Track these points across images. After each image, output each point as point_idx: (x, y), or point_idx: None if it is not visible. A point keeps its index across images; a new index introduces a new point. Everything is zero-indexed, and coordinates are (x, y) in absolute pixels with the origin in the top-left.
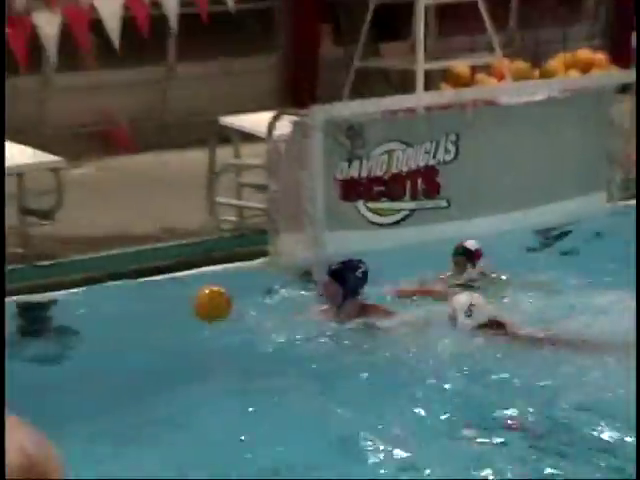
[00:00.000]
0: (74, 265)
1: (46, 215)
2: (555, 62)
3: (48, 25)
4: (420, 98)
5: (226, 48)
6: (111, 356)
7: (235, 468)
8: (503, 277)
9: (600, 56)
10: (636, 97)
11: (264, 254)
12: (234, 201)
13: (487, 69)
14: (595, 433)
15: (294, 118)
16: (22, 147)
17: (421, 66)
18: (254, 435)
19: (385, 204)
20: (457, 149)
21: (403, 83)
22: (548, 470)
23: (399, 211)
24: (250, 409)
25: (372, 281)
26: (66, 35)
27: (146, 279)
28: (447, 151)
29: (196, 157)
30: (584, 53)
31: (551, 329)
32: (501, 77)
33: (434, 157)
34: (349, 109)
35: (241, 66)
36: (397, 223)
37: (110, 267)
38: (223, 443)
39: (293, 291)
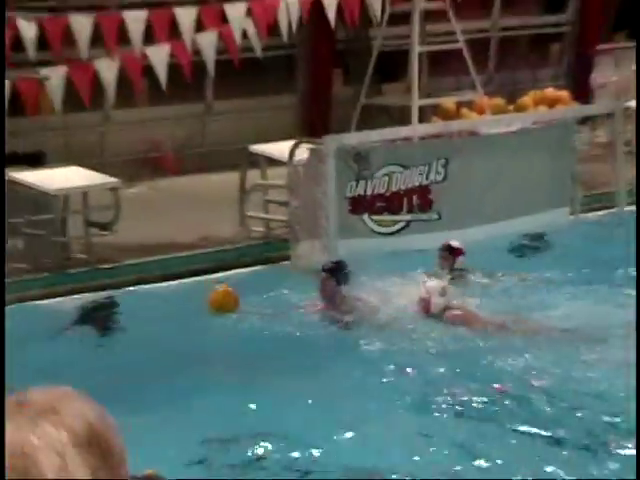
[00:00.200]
0: (129, 268)
1: (105, 227)
2: (527, 99)
3: (108, 70)
4: (415, 129)
5: (254, 88)
6: (159, 344)
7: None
8: (480, 272)
9: (564, 94)
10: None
11: (287, 258)
12: (261, 215)
13: (470, 105)
14: (541, 406)
15: (311, 146)
16: (86, 171)
17: (415, 102)
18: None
19: (386, 217)
20: (446, 171)
21: (401, 117)
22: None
23: (398, 222)
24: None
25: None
26: (123, 78)
27: (188, 280)
28: (438, 173)
29: (229, 179)
30: (551, 91)
31: (516, 317)
32: (482, 111)
33: (427, 178)
34: (356, 138)
35: (267, 103)
36: (396, 232)
37: (159, 270)
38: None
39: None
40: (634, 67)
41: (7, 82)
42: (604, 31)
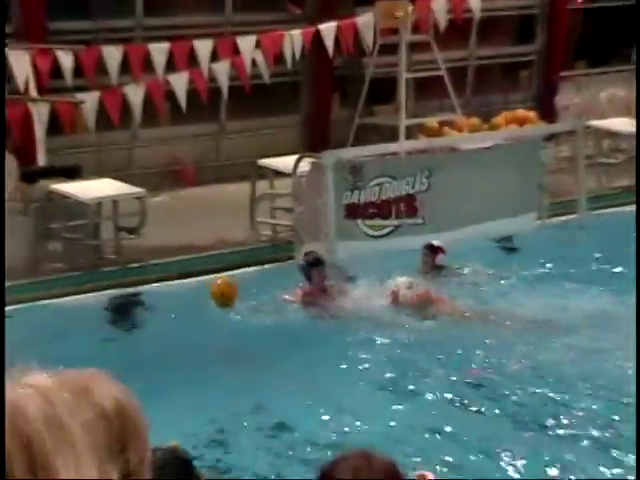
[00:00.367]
0: (154, 268)
1: (133, 231)
2: (499, 119)
3: (135, 95)
4: (402, 145)
5: (263, 110)
6: (179, 335)
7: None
8: (458, 269)
9: (532, 114)
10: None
11: (292, 258)
12: (269, 220)
13: (451, 124)
14: (507, 389)
15: (312, 160)
16: (117, 182)
17: (403, 122)
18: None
19: (377, 222)
20: (429, 182)
21: (390, 134)
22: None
23: (387, 227)
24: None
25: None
26: (148, 102)
27: (206, 277)
28: (422, 183)
29: (241, 189)
30: (520, 112)
31: (483, 309)
32: (461, 130)
33: (413, 188)
34: (351, 153)
35: (274, 123)
36: (386, 235)
37: (180, 269)
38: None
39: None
40: (593, 91)
41: (47, 105)
42: (567, 60)
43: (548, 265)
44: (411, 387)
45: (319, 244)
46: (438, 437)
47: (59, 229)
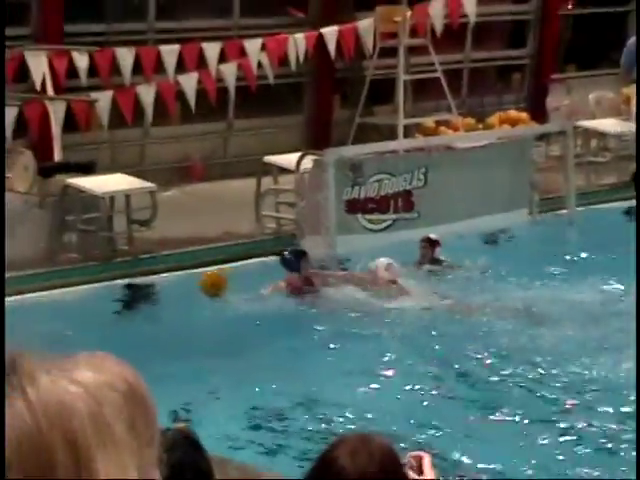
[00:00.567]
0: (164, 258)
1: (145, 223)
2: (493, 119)
3: (146, 94)
4: (400, 144)
5: (268, 110)
6: (191, 320)
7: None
8: (453, 262)
9: (524, 115)
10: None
11: None
12: (274, 214)
13: (447, 124)
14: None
15: (314, 157)
16: (129, 177)
17: (401, 122)
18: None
19: (376, 216)
20: (426, 178)
21: (389, 133)
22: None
23: (385, 221)
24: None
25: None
26: (159, 101)
27: (214, 267)
28: (419, 180)
29: (247, 184)
30: (513, 113)
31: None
32: (456, 129)
33: (410, 184)
34: (352, 151)
35: (278, 122)
36: (384, 229)
37: (189, 259)
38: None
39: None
40: (582, 93)
41: (63, 103)
42: (557, 63)
43: (538, 258)
44: (390, 373)
45: (320, 237)
46: (421, 422)
47: (74, 221)
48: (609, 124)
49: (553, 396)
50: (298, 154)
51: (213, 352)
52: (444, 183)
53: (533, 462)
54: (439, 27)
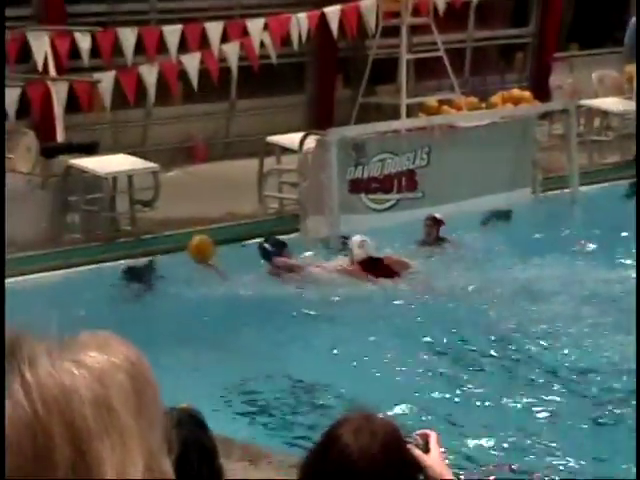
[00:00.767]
0: (167, 239)
1: (147, 204)
2: (496, 98)
3: (149, 75)
4: (403, 123)
5: (271, 90)
6: (193, 300)
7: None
8: (456, 241)
9: (527, 94)
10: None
11: (297, 231)
12: (277, 194)
13: (449, 103)
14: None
15: (317, 137)
16: (132, 157)
17: (404, 101)
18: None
19: (379, 196)
20: (429, 158)
21: (392, 113)
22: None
23: (389, 200)
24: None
25: None
26: (161, 81)
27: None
28: (422, 159)
29: (250, 164)
30: (516, 92)
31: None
32: (459, 108)
33: (413, 163)
34: (355, 131)
35: (281, 102)
36: (388, 209)
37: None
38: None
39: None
40: (585, 72)
41: (66, 84)
42: (560, 42)
43: (541, 236)
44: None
45: (323, 217)
46: (413, 404)
47: (77, 202)
48: (612, 103)
49: (551, 376)
50: (301, 134)
51: (214, 332)
52: (447, 162)
53: (527, 443)
54: (442, 6)
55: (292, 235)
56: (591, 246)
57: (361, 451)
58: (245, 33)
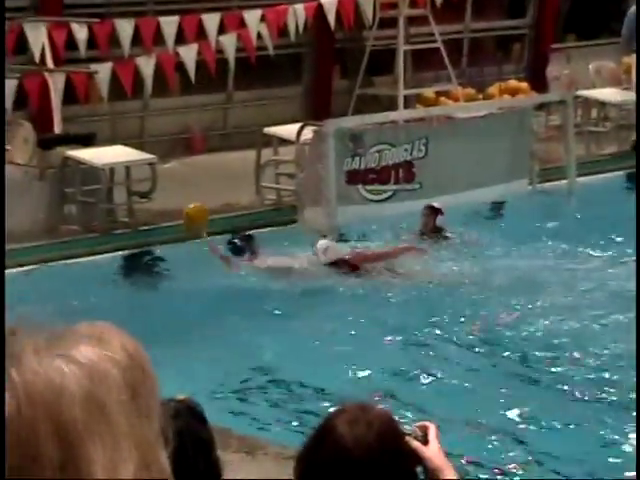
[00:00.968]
0: (164, 230)
1: (144, 195)
2: (493, 89)
3: (146, 66)
4: (401, 114)
5: (268, 81)
6: (191, 291)
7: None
8: (453, 232)
9: (524, 85)
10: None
11: (295, 221)
12: (274, 185)
13: (447, 94)
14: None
15: (314, 128)
16: (129, 149)
17: (401, 92)
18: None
19: (377, 187)
20: (426, 149)
21: (389, 104)
22: None
23: (386, 192)
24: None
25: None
26: (158, 73)
27: (214, 237)
28: (419, 150)
29: (247, 156)
30: (513, 83)
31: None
32: (456, 99)
33: (410, 154)
34: (352, 122)
35: (278, 93)
36: (385, 200)
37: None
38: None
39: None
40: (582, 63)
41: (63, 75)
42: (557, 33)
43: (538, 226)
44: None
45: (320, 208)
46: (405, 393)
47: (74, 193)
48: (609, 93)
49: (545, 365)
50: (298, 125)
51: (212, 322)
52: (444, 154)
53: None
54: None
55: (289, 226)
56: (588, 237)
57: (356, 441)
58: (242, 24)
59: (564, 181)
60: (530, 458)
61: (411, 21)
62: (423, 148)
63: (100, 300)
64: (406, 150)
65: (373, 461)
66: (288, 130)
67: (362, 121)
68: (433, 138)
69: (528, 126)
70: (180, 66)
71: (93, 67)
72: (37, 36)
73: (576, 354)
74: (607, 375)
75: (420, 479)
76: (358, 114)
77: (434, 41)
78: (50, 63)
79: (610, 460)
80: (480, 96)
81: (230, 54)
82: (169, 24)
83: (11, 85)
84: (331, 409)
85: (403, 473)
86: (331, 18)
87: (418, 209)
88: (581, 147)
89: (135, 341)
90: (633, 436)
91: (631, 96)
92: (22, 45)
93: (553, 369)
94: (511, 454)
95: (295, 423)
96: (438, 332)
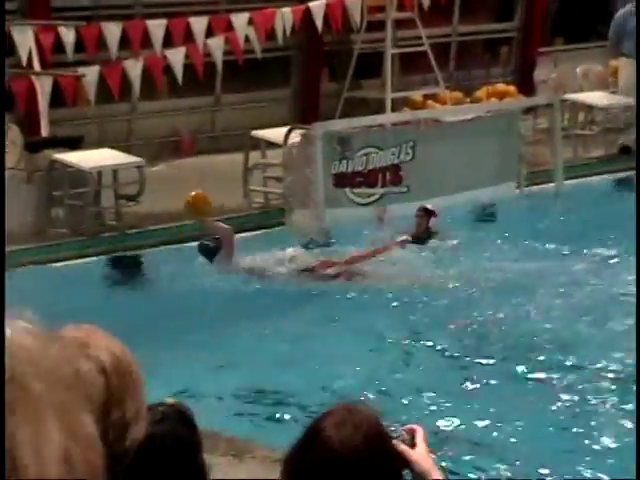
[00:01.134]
0: (152, 233)
1: (132, 198)
2: (481, 92)
3: (134, 69)
4: (388, 117)
5: (255, 84)
6: (179, 295)
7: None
8: (443, 234)
9: (511, 88)
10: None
11: (282, 225)
12: (262, 188)
13: (434, 97)
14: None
15: (302, 131)
16: (116, 152)
17: (389, 95)
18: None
19: (364, 190)
20: (414, 152)
21: (377, 107)
22: None
23: (373, 195)
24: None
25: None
26: (146, 75)
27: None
28: (407, 154)
29: (235, 159)
30: (500, 86)
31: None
32: (444, 103)
33: (398, 157)
34: (340, 125)
35: (266, 96)
36: (372, 203)
37: (177, 234)
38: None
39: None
40: (570, 66)
41: (50, 78)
42: (545, 36)
43: (525, 230)
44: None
45: (308, 211)
46: (394, 395)
47: (62, 196)
48: (596, 97)
49: (534, 367)
50: (286, 128)
51: (200, 326)
52: (432, 157)
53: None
54: (426, 0)
55: (277, 229)
56: (576, 240)
57: (343, 443)
58: (230, 27)
59: (552, 184)
60: (517, 462)
61: (399, 24)
62: (410, 151)
63: (87, 303)
64: (393, 153)
65: (360, 463)
66: (276, 133)
67: (350, 124)
68: (421, 141)
69: (516, 129)
70: (168, 69)
71: (80, 70)
72: (24, 39)
73: (561, 357)
74: (596, 378)
75: None
76: (346, 117)
77: (422, 44)
78: (37, 66)
79: (604, 464)
80: (468, 99)
81: (218, 57)
82: (157, 27)
83: None
84: (318, 412)
85: (390, 475)
86: (319, 21)
87: (406, 212)
88: (568, 150)
89: (122, 344)
90: (629, 440)
91: (618, 99)
92: (9, 48)
93: (540, 374)
94: (496, 458)
95: (282, 426)
96: (419, 336)
